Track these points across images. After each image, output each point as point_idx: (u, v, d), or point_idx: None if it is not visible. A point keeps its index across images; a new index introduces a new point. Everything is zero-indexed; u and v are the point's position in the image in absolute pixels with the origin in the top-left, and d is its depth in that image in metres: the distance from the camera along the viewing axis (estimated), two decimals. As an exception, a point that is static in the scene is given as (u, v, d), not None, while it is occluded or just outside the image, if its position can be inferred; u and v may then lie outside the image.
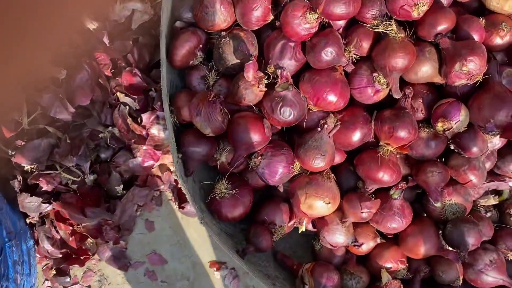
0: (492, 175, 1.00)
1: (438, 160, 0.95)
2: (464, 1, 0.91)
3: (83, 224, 0.96)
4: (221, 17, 0.89)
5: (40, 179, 0.89)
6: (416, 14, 0.83)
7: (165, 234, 1.05)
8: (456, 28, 0.87)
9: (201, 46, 0.93)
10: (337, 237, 0.94)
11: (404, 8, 0.83)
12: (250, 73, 0.85)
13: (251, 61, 0.85)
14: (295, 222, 0.95)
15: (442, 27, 0.85)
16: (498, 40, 0.89)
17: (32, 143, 0.88)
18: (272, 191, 1.02)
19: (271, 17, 0.89)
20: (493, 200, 1.01)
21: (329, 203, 0.90)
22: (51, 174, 0.90)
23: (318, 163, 0.89)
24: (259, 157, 0.91)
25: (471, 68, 0.81)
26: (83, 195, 0.94)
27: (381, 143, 0.90)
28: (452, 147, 0.92)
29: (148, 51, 0.99)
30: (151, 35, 1.02)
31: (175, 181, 1.02)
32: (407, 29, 0.88)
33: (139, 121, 0.96)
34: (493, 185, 1.01)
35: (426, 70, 0.87)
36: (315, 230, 1.00)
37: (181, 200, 1.00)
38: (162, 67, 0.89)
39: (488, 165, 0.96)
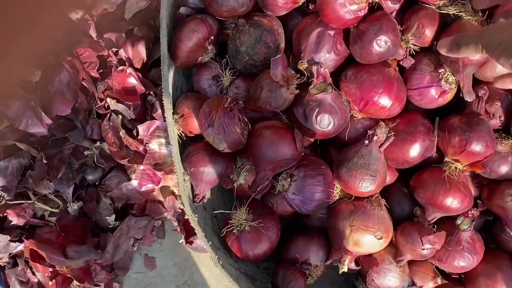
0: None
1: (518, 180, 0.74)
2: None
3: (68, 263, 0.76)
4: (238, 0, 0.69)
5: (8, 211, 0.69)
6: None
7: (169, 274, 0.85)
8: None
9: (212, 38, 0.73)
10: (389, 280, 0.74)
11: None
12: (278, 70, 0.65)
13: (279, 55, 0.65)
14: (334, 260, 0.74)
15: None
16: None
17: (-5, 165, 0.68)
18: (304, 220, 0.81)
19: (303, -2, 0.69)
20: None
21: (381, 238, 0.69)
22: (22, 204, 0.70)
23: (367, 187, 0.68)
24: (289, 179, 0.71)
25: None
26: (64, 228, 0.74)
27: (447, 159, 0.70)
28: (537, 162, 0.72)
29: (145, 46, 0.79)
30: (149, 26, 0.83)
31: (180, 208, 0.82)
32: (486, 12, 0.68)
33: (135, 133, 0.76)
34: None
35: (507, 64, 0.66)
36: (359, 268, 0.80)
37: (188, 232, 0.80)
38: (163, 65, 0.70)
39: None
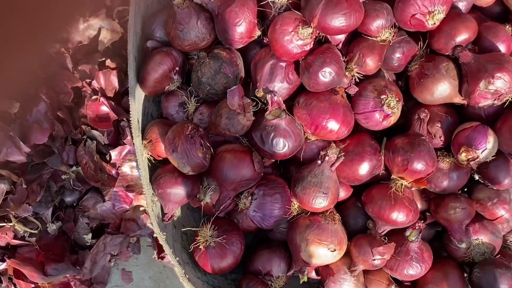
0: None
1: (461, 193, 0.80)
2: (485, 6, 0.78)
3: (49, 279, 0.82)
4: (199, 35, 0.76)
5: (-10, 233, 0.75)
6: (431, 23, 0.69)
7: (146, 286, 0.91)
8: (478, 39, 0.73)
9: (177, 68, 0.79)
10: (345, 289, 0.80)
11: (417, 17, 0.69)
12: (235, 100, 0.71)
13: (235, 86, 0.71)
14: (295, 271, 0.80)
15: (461, 37, 0.71)
16: (529, 50, 0.76)
17: (-23, 191, 0.74)
18: (268, 234, 0.87)
19: (258, 32, 0.76)
20: (526, 236, 0.87)
21: (335, 250, 0.75)
22: (3, 227, 0.76)
23: (320, 203, 0.75)
24: (250, 197, 0.77)
25: (499, 87, 0.68)
26: (44, 247, 0.80)
27: (393, 176, 0.76)
28: (477, 177, 0.78)
29: (117, 76, 0.85)
30: (121, 57, 0.89)
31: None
32: (421, 42, 0.75)
33: (108, 158, 0.82)
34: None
35: (444, 90, 0.73)
36: (319, 277, 0.86)
37: (160, 248, 0.85)
38: (130, 95, 0.76)
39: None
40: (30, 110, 0.79)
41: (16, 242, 0.78)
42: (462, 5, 0.75)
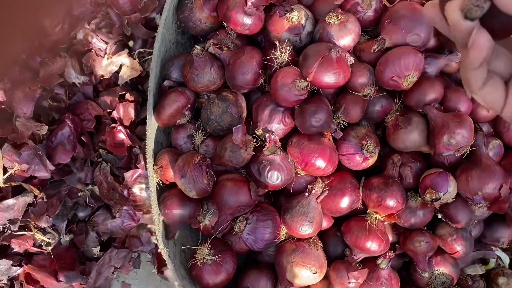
0: (479, 243, 0.99)
1: (426, 229, 0.93)
2: (451, 72, 0.93)
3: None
4: (211, 79, 0.89)
5: (12, 240, 0.84)
6: (405, 84, 0.84)
7: (142, 299, 1.00)
8: (443, 99, 0.88)
9: (189, 106, 0.92)
10: (323, 308, 0.90)
11: (394, 79, 0.84)
12: (238, 136, 0.83)
13: (239, 125, 0.84)
14: (279, 290, 0.91)
15: (430, 97, 0.85)
16: (484, 112, 0.91)
17: (6, 202, 0.84)
18: (257, 256, 0.98)
19: (261, 81, 0.89)
20: (480, 270, 0.99)
21: (316, 272, 0.86)
22: (25, 235, 0.85)
23: (305, 230, 0.86)
24: (245, 222, 0.88)
25: (459, 141, 0.82)
26: (57, 256, 0.89)
27: (369, 210, 0.89)
28: (439, 216, 0.91)
29: (134, 108, 0.97)
30: (138, 91, 1.01)
31: (155, 243, 0.97)
32: (396, 99, 0.89)
33: (121, 179, 0.93)
34: (480, 254, 1.00)
35: (414, 139, 0.87)
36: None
37: (160, 263, 0.95)
38: (148, 127, 0.87)
39: (475, 233, 0.96)
40: (55, 133, 0.90)
41: (34, 249, 0.86)
42: (431, 71, 0.90)
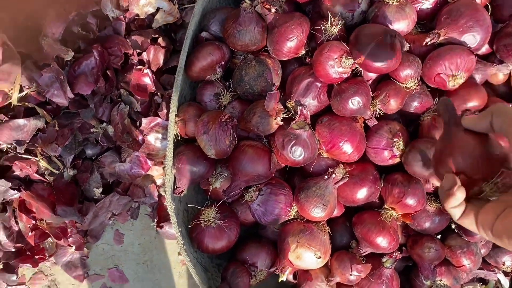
0: (483, 262, 0.97)
1: (436, 237, 0.91)
2: (495, 84, 0.90)
3: (47, 221, 0.86)
4: (252, 39, 0.84)
5: (16, 162, 0.79)
6: (451, 85, 0.81)
7: (133, 251, 0.96)
8: (484, 108, 0.85)
9: (222, 63, 0.88)
10: (318, 295, 0.87)
11: (441, 76, 0.80)
12: (272, 103, 0.80)
13: (276, 91, 0.80)
14: (277, 268, 0.88)
15: (472, 103, 0.82)
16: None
17: (17, 121, 0.79)
18: (259, 231, 0.95)
19: (303, 51, 0.85)
20: (479, 288, 0.98)
21: (320, 257, 0.84)
22: (29, 160, 0.81)
23: (318, 213, 0.83)
24: (257, 192, 0.85)
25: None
26: (57, 189, 0.84)
27: (385, 206, 0.86)
28: (453, 226, 0.89)
29: (164, 54, 0.92)
30: (170, 39, 0.96)
31: (158, 196, 0.94)
32: (437, 98, 0.86)
33: (138, 124, 0.88)
34: (482, 273, 0.98)
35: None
36: (295, 281, 0.94)
37: (160, 218, 0.92)
38: (178, 75, 0.83)
39: (483, 252, 0.93)
40: (80, 62, 0.85)
41: (36, 177, 0.82)
42: (478, 77, 0.86)
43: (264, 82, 0.85)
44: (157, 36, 0.92)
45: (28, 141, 0.81)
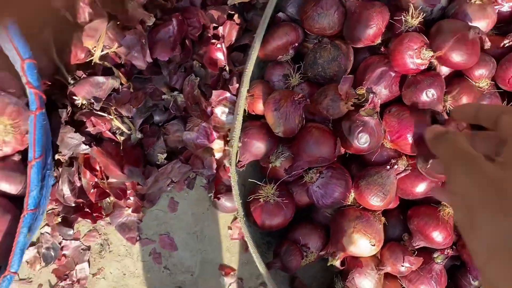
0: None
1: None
2: None
3: (108, 181, 0.88)
4: (331, 23, 0.85)
5: (92, 118, 0.82)
6: (527, 88, 0.81)
7: (185, 220, 0.98)
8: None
9: (296, 44, 0.89)
10: (366, 283, 0.88)
11: (517, 79, 0.80)
12: (345, 86, 0.81)
13: (350, 75, 0.81)
14: (327, 252, 0.89)
15: (545, 108, 0.82)
16: None
17: (97, 78, 0.81)
18: (312, 214, 0.96)
19: (379, 40, 0.86)
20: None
21: (374, 245, 0.84)
22: (104, 117, 0.83)
23: (376, 201, 0.84)
24: (318, 174, 0.86)
25: None
26: (124, 150, 0.87)
27: (443, 202, 0.86)
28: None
29: (237, 32, 0.94)
30: (243, 17, 0.98)
31: (216, 169, 0.95)
32: (505, 101, 0.86)
33: (208, 96, 0.90)
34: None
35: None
36: (341, 268, 0.94)
37: (217, 191, 0.93)
38: (254, 51, 0.85)
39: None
40: (159, 29, 0.87)
41: (108, 134, 0.84)
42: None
43: (337, 66, 0.86)
44: (233, 12, 0.94)
45: (103, 99, 0.83)
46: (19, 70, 0.56)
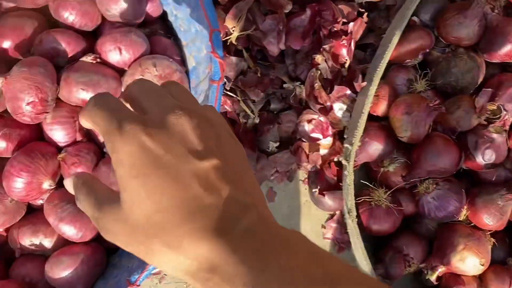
0: None
1: None
2: None
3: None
4: (470, 34, 0.83)
5: (222, 98, 0.81)
6: None
7: (281, 212, 0.97)
8: None
9: (427, 50, 0.87)
10: (466, 302, 0.86)
11: None
12: (483, 100, 0.79)
13: (490, 89, 0.79)
14: (428, 265, 0.87)
15: None
16: None
17: (232, 58, 0.81)
18: (414, 224, 0.94)
19: (515, 58, 0.84)
20: None
21: (483, 265, 0.82)
22: (233, 97, 0.83)
23: (491, 221, 0.82)
24: (435, 185, 0.84)
25: None
26: (243, 134, 0.86)
27: (561, 232, 0.84)
28: None
29: (364, 30, 0.92)
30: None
31: (321, 165, 0.94)
32: None
33: (329, 91, 0.89)
34: None
35: None
36: (435, 283, 0.92)
37: (322, 187, 0.92)
38: (388, 51, 0.83)
39: None
40: (291, 18, 0.86)
41: (233, 115, 0.84)
42: None
43: (470, 78, 0.84)
44: (363, 10, 0.92)
45: (232, 80, 0.83)
46: (204, 40, 0.55)
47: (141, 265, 0.55)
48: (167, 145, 0.31)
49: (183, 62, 0.65)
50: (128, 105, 0.37)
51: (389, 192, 0.85)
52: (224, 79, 0.81)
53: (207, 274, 0.29)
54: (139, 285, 0.54)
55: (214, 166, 0.32)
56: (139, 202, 0.30)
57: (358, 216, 0.86)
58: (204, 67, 0.61)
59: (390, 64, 0.92)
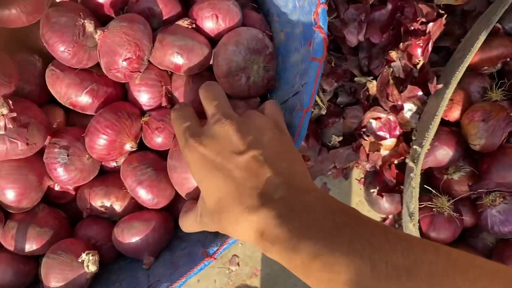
0: None
1: None
2: None
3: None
4: (557, 47, 0.80)
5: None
6: None
7: (333, 208, 0.95)
8: None
9: (508, 59, 0.84)
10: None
11: None
12: None
13: None
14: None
15: None
16: None
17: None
18: (469, 239, 0.91)
19: None
20: None
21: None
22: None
23: (558, 243, 0.79)
24: (502, 199, 0.81)
25: None
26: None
27: None
28: None
29: (440, 32, 0.90)
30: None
31: (380, 166, 0.92)
32: None
33: (401, 90, 0.87)
34: None
35: None
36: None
37: (381, 188, 0.90)
38: (468, 56, 0.80)
39: None
40: (373, 11, 0.84)
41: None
42: None
43: (553, 93, 0.81)
44: (443, 12, 0.89)
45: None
46: (311, 14, 0.53)
47: (215, 240, 0.53)
48: (217, 150, 0.44)
49: (270, 38, 0.63)
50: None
51: (452, 201, 0.82)
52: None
53: (260, 238, 0.39)
54: (216, 258, 0.52)
55: (252, 156, 0.42)
56: (207, 197, 0.44)
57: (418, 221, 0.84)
58: (297, 44, 0.59)
59: (465, 70, 0.89)
